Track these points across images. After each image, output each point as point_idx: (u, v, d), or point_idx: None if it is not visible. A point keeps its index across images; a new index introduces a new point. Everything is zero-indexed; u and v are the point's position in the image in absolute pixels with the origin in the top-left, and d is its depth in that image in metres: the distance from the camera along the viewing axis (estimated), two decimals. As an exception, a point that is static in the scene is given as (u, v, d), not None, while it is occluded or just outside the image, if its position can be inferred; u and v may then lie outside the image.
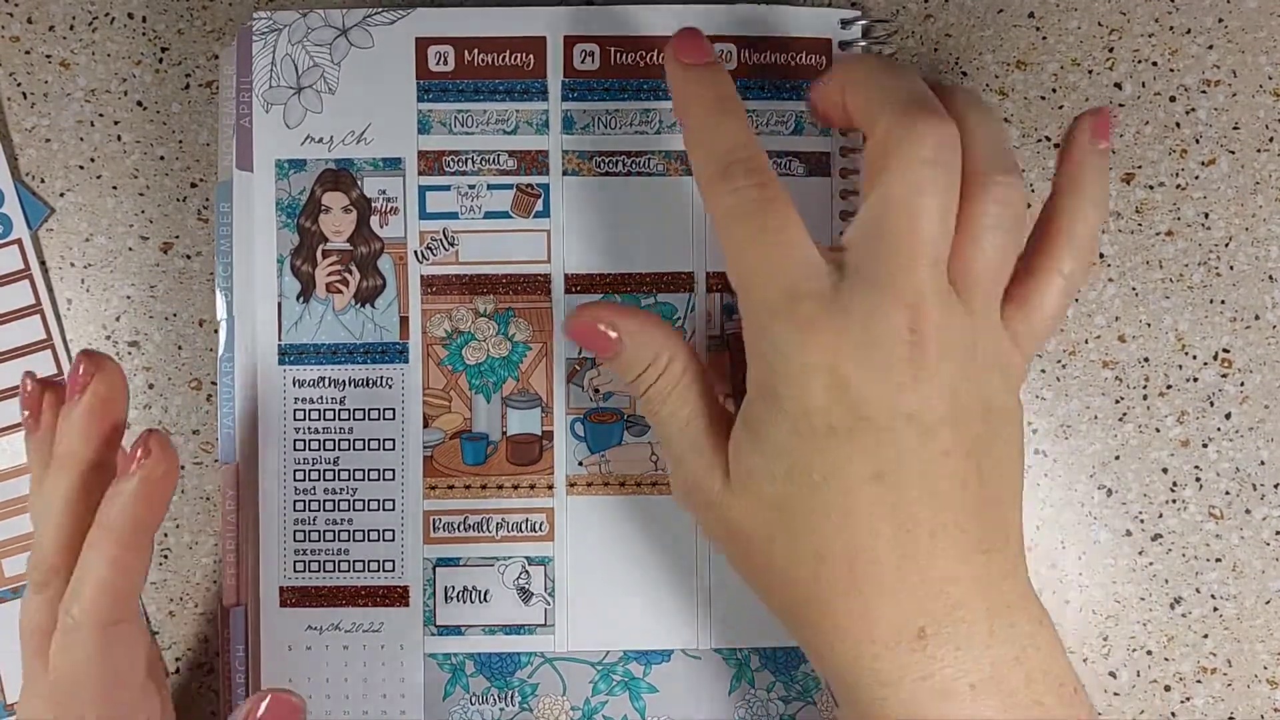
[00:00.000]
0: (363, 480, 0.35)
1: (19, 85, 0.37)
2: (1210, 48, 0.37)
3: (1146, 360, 0.37)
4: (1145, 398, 0.37)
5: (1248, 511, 0.37)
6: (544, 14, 0.35)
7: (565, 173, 0.35)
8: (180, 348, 0.37)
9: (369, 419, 0.35)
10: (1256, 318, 0.37)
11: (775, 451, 0.28)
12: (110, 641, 0.28)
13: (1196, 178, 0.37)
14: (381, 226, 0.35)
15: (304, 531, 0.35)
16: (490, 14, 0.35)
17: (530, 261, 0.35)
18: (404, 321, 0.35)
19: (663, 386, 0.30)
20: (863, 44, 0.35)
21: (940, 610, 0.27)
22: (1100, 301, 0.37)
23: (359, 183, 0.35)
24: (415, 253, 0.35)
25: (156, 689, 0.31)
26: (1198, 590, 0.37)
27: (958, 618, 0.27)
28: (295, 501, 0.35)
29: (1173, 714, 0.37)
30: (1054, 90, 0.38)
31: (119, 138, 0.37)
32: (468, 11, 0.35)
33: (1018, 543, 0.28)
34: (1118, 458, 0.37)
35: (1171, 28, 0.37)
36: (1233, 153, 0.37)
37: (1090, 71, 0.38)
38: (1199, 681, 0.37)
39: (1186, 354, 0.37)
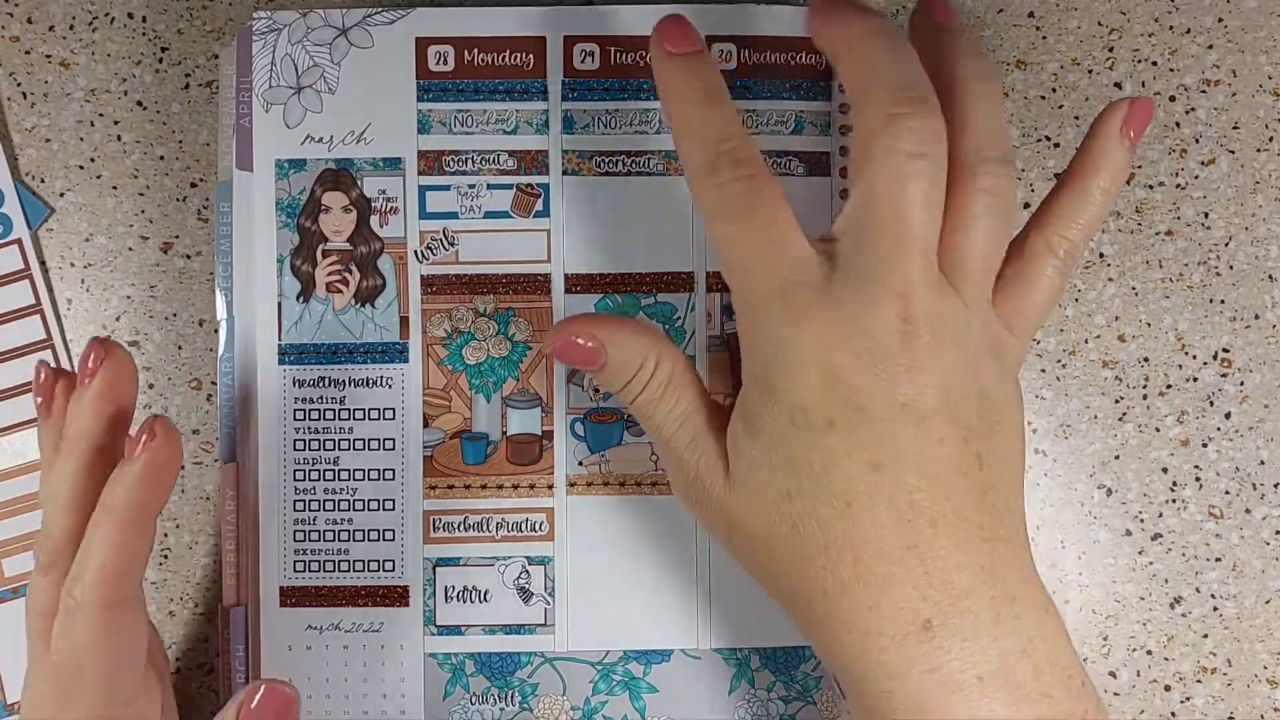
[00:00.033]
0: (363, 480, 0.35)
1: (19, 85, 0.37)
2: (1210, 47, 0.37)
3: (1146, 360, 0.37)
4: (1145, 397, 0.37)
5: (1248, 511, 0.37)
6: (544, 14, 0.35)
7: (565, 172, 0.35)
8: (180, 348, 0.37)
9: (369, 419, 0.35)
10: (1256, 317, 0.37)
11: (773, 443, 0.28)
12: (111, 624, 0.28)
13: (1196, 177, 0.37)
14: (381, 226, 0.35)
15: (304, 531, 0.35)
16: (490, 14, 0.35)
17: (530, 261, 0.35)
18: (404, 321, 0.35)
19: (653, 390, 0.30)
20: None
21: (945, 601, 0.27)
22: (1100, 301, 0.37)
23: (359, 182, 0.35)
24: (415, 252, 0.35)
25: (158, 678, 0.31)
26: (1198, 590, 0.37)
27: (963, 608, 0.27)
28: (295, 501, 0.35)
29: (1173, 714, 0.37)
30: (1054, 90, 0.38)
31: (119, 138, 0.37)
32: (468, 11, 0.35)
33: (1022, 532, 0.28)
34: (1117, 457, 0.37)
35: (1171, 27, 0.38)
36: (1232, 152, 0.37)
37: (1090, 71, 0.38)
38: (1199, 681, 0.37)
39: (1186, 354, 0.37)
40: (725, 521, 0.29)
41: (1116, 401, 0.37)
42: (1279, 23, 0.37)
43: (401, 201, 0.35)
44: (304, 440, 0.35)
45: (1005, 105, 0.37)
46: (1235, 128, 0.37)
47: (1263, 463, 0.37)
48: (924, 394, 0.27)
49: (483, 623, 0.35)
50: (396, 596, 0.35)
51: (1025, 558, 0.28)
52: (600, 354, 0.30)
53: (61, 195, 0.37)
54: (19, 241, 0.37)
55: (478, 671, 0.35)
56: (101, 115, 0.37)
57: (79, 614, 0.28)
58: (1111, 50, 0.38)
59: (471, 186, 0.35)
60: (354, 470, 0.35)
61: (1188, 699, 0.37)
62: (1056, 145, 0.38)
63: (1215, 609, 0.37)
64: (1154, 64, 0.38)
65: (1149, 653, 0.37)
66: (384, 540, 0.35)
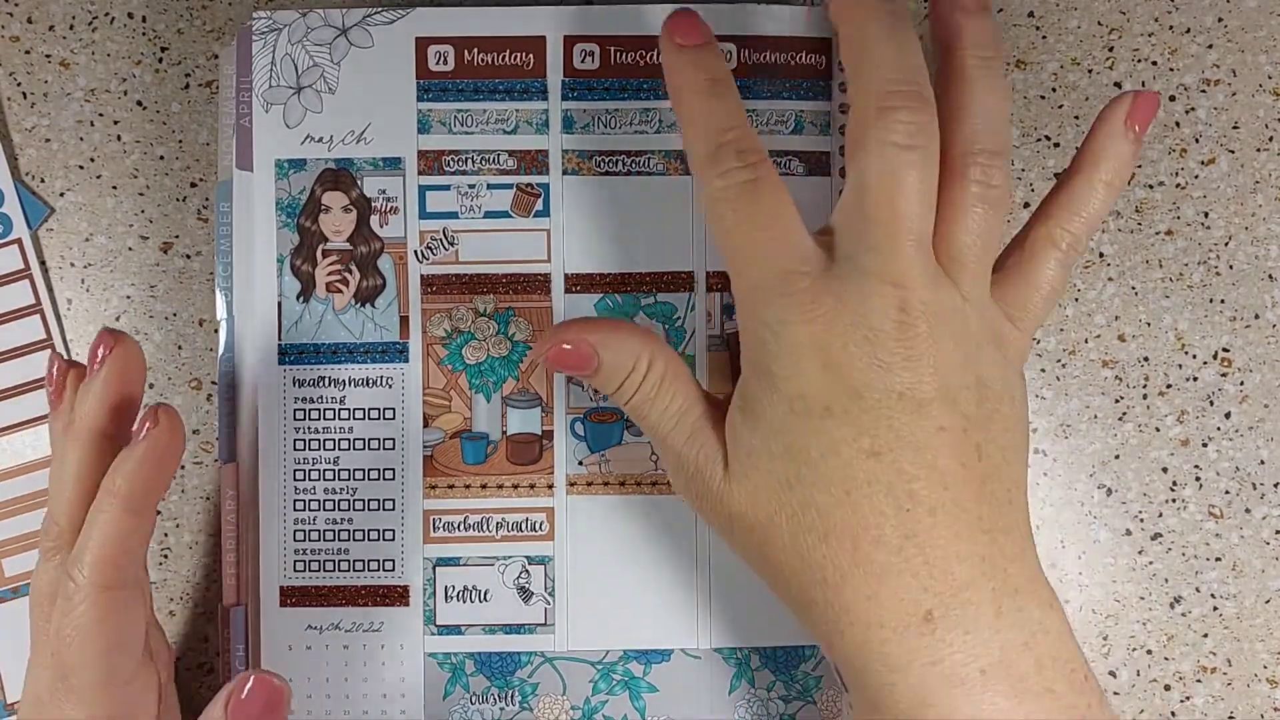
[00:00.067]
0: (363, 480, 0.35)
1: (19, 85, 0.37)
2: (1210, 47, 0.37)
3: (1146, 359, 0.37)
4: (1145, 397, 0.37)
5: (1247, 511, 0.37)
6: (544, 14, 0.35)
7: (565, 172, 0.35)
8: (180, 347, 0.37)
9: (369, 419, 0.35)
10: (1256, 317, 0.37)
11: (772, 430, 0.28)
12: (110, 604, 0.28)
13: (1196, 177, 0.37)
14: (381, 226, 0.35)
15: (304, 531, 0.35)
16: (490, 14, 0.35)
17: (530, 261, 0.35)
18: (404, 321, 0.35)
19: (647, 390, 0.30)
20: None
21: (946, 592, 0.27)
22: (1100, 301, 0.38)
23: (359, 182, 0.35)
24: (415, 252, 0.35)
25: (158, 668, 0.31)
26: (1197, 590, 0.37)
27: (964, 599, 0.27)
28: (295, 501, 0.35)
29: (1173, 713, 0.37)
30: (1054, 90, 0.38)
31: (119, 137, 0.37)
32: (468, 11, 0.35)
33: (1024, 524, 0.28)
34: (1117, 457, 0.37)
35: (1171, 27, 0.38)
36: (1232, 152, 0.37)
37: (1090, 71, 0.38)
38: (1199, 681, 0.37)
39: (1186, 353, 0.37)
40: (726, 514, 0.29)
41: (1116, 401, 0.37)
42: (1279, 22, 0.37)
43: (401, 201, 0.35)
44: (304, 440, 0.35)
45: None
46: (1235, 127, 0.37)
47: (1263, 462, 0.37)
48: (921, 383, 0.27)
49: (483, 622, 0.35)
50: (396, 596, 0.35)
51: (1028, 550, 0.28)
52: (593, 359, 0.30)
53: (61, 195, 0.37)
54: (19, 241, 0.37)
55: (478, 671, 0.35)
56: (101, 115, 0.37)
57: (78, 595, 0.28)
58: (1111, 50, 0.38)
59: (471, 186, 0.35)
60: (354, 470, 0.35)
61: (1188, 698, 0.37)
62: (1056, 145, 0.38)
63: (1215, 609, 0.37)
64: (1154, 64, 0.38)
65: (1149, 652, 0.37)
66: (384, 540, 0.35)
